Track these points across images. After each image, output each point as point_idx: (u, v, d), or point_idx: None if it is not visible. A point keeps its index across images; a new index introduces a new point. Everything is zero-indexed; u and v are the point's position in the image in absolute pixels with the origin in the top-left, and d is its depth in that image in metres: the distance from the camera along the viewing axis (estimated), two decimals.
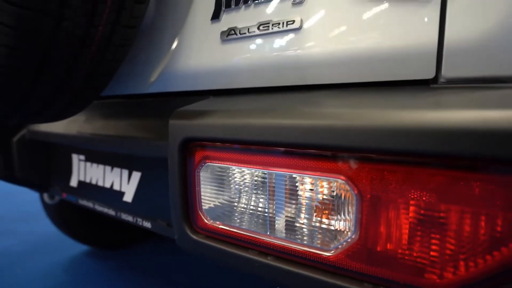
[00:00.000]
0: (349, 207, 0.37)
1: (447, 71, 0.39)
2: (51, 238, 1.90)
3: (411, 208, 0.34)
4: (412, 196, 0.33)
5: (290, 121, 0.38)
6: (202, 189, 0.48)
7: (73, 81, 0.55)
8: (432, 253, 0.34)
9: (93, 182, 0.90)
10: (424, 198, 0.33)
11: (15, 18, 0.42)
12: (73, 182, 0.97)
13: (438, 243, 0.34)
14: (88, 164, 0.91)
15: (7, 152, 1.02)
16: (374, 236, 0.36)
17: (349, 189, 0.36)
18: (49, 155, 1.05)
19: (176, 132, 0.48)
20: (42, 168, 1.05)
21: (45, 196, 1.38)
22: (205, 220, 0.49)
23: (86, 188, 0.92)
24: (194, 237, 0.50)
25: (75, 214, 1.57)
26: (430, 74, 0.40)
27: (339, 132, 0.34)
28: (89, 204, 0.91)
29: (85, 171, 0.93)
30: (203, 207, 0.49)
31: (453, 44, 0.38)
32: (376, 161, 0.34)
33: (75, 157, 0.96)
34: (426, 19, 0.39)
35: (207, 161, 0.47)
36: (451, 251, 0.33)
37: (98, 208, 0.88)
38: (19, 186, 1.14)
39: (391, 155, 0.33)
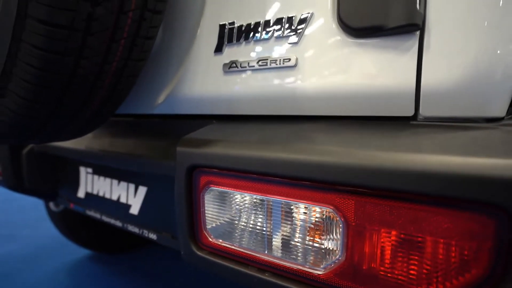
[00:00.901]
0: (337, 232, 0.42)
1: (424, 111, 0.45)
2: (53, 242, 1.94)
3: (390, 235, 0.39)
4: (390, 225, 0.38)
5: (285, 155, 0.43)
6: (206, 210, 0.54)
7: (87, 109, 0.60)
8: (411, 271, 0.40)
9: (100, 194, 0.95)
10: (400, 227, 0.38)
11: (40, 60, 0.47)
12: (81, 193, 1.02)
13: (416, 264, 0.39)
14: (96, 177, 0.96)
15: (17, 164, 1.07)
16: (359, 258, 0.41)
17: (337, 217, 0.41)
18: (57, 167, 1.10)
19: (183, 159, 0.53)
20: (50, 179, 1.10)
21: (51, 203, 1.43)
22: (209, 238, 0.54)
23: (93, 199, 0.97)
24: (199, 253, 0.55)
25: (79, 221, 1.62)
26: (409, 112, 0.46)
27: (327, 168, 0.39)
28: (96, 215, 0.96)
29: (92, 184, 0.98)
30: (207, 226, 0.54)
31: (428, 88, 0.43)
32: (360, 194, 0.39)
33: (82, 170, 1.00)
34: (405, 65, 0.44)
35: (211, 186, 0.52)
36: (426, 271, 0.39)
37: (105, 219, 0.93)
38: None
39: (372, 190, 0.38)
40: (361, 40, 0.46)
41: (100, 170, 0.95)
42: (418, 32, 0.43)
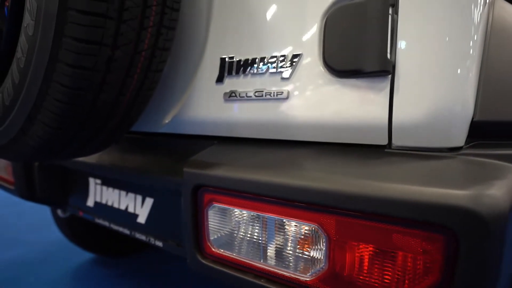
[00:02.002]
0: (322, 245, 0.50)
1: (396, 141, 0.52)
2: (58, 246, 2.01)
3: (365, 248, 0.47)
4: (365, 240, 0.46)
5: (277, 180, 0.51)
6: (209, 224, 0.61)
7: (104, 131, 0.67)
8: (384, 278, 0.47)
9: (109, 203, 1.02)
10: (373, 242, 0.46)
11: (66, 95, 0.55)
12: (90, 203, 1.09)
13: (388, 272, 0.47)
14: (104, 187, 1.04)
15: (29, 175, 1.14)
16: (340, 266, 0.49)
17: (321, 232, 0.49)
18: (67, 177, 1.17)
19: (189, 178, 0.61)
20: (61, 188, 1.17)
21: (58, 210, 1.50)
22: (212, 248, 0.62)
23: (102, 208, 1.04)
24: (203, 261, 0.62)
25: (84, 226, 1.69)
26: (384, 141, 0.53)
27: (312, 193, 0.47)
28: (105, 223, 1.04)
29: (101, 194, 1.05)
30: (210, 238, 0.62)
31: (398, 122, 0.51)
32: (340, 215, 0.47)
33: (91, 181, 1.08)
34: (379, 102, 0.52)
35: (213, 203, 0.60)
36: (396, 278, 0.46)
37: (114, 227, 1.01)
38: None
39: (349, 211, 0.46)
40: (342, 79, 0.54)
41: (109, 182, 1.02)
42: (389, 76, 0.51)
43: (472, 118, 0.51)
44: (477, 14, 0.53)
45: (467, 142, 0.52)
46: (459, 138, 0.51)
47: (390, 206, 0.42)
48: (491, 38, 0.55)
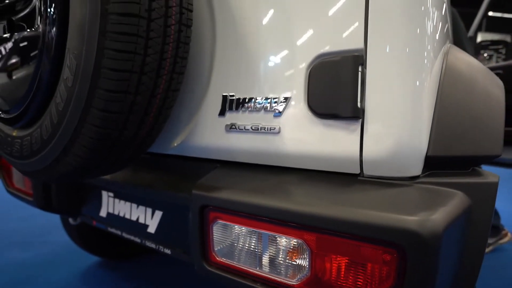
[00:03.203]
0: (306, 256, 0.62)
1: (367, 171, 0.65)
2: (64, 249, 2.12)
3: (340, 259, 0.59)
4: (339, 253, 0.58)
5: (269, 203, 0.63)
6: (214, 237, 0.73)
7: (129, 151, 0.78)
8: (357, 282, 0.60)
9: (121, 215, 1.14)
10: (346, 255, 0.58)
11: (97, 133, 0.67)
12: (103, 213, 1.21)
13: (358, 278, 0.59)
14: (117, 200, 1.15)
15: (46, 188, 1.26)
16: (321, 273, 0.61)
17: (305, 246, 0.61)
18: (81, 190, 1.28)
19: (197, 199, 0.73)
20: (75, 200, 1.29)
21: (70, 218, 1.61)
22: (216, 257, 0.74)
23: (115, 219, 1.16)
24: (209, 268, 0.74)
25: (91, 232, 1.81)
26: (357, 171, 0.66)
27: (297, 215, 0.59)
28: (117, 232, 1.15)
29: (113, 206, 1.17)
30: (215, 248, 0.74)
31: (367, 156, 0.63)
32: (319, 233, 0.59)
33: (104, 194, 1.19)
34: (353, 139, 0.64)
35: (217, 220, 0.72)
36: (363, 282, 0.58)
37: (125, 236, 1.12)
38: None
39: (326, 230, 0.58)
40: (323, 120, 0.67)
41: (121, 195, 1.14)
42: (360, 120, 0.63)
43: (426, 153, 0.63)
44: (433, 67, 0.65)
45: (423, 172, 0.65)
46: (416, 169, 0.64)
47: (358, 227, 0.55)
48: (443, 85, 0.67)
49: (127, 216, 1.11)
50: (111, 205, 1.17)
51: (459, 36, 2.09)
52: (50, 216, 2.30)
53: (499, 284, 1.82)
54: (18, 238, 2.29)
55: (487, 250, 2.18)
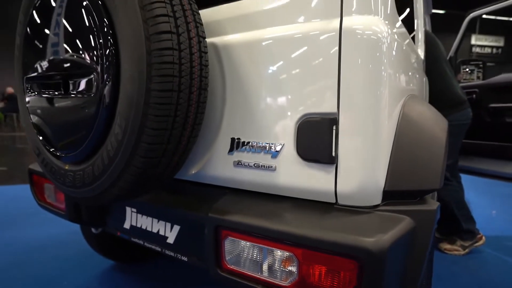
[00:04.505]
0: (295, 264, 0.85)
1: (340, 201, 0.88)
2: (82, 257, 2.32)
3: (320, 267, 0.81)
4: (319, 263, 0.81)
5: (268, 226, 0.85)
6: (225, 249, 0.96)
7: (162, 178, 1.00)
8: (333, 284, 0.82)
9: (143, 227, 1.35)
10: (324, 264, 0.81)
11: (140, 168, 0.89)
12: (126, 225, 1.42)
13: (333, 280, 0.82)
14: (139, 215, 1.37)
15: (77, 204, 1.47)
16: (306, 277, 0.84)
17: (294, 257, 0.84)
18: (107, 205, 1.50)
19: (213, 221, 0.95)
20: (102, 213, 1.51)
21: (92, 228, 1.83)
22: (227, 265, 0.96)
23: (137, 230, 1.38)
24: (221, 273, 0.97)
25: (109, 239, 2.02)
26: (333, 200, 0.88)
27: (287, 235, 0.82)
28: (139, 241, 1.37)
29: (136, 219, 1.38)
30: (226, 258, 0.96)
31: (340, 190, 0.86)
32: (304, 248, 0.82)
33: (128, 209, 1.41)
34: (329, 179, 0.87)
35: (228, 236, 0.94)
36: (336, 283, 0.81)
37: (147, 245, 1.34)
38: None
39: (309, 247, 0.80)
40: (308, 163, 0.89)
41: (143, 211, 1.36)
42: (334, 164, 0.86)
43: (384, 188, 0.86)
44: (390, 121, 0.88)
45: (382, 201, 0.88)
46: (376, 200, 0.87)
47: (332, 245, 0.77)
48: (399, 135, 0.90)
49: (149, 229, 1.33)
50: (134, 219, 1.39)
51: (439, 61, 2.33)
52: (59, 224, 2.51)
53: (473, 283, 2.05)
54: (34, 244, 2.50)
55: (463, 252, 2.42)
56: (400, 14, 1.14)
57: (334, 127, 0.85)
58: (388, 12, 0.94)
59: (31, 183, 1.73)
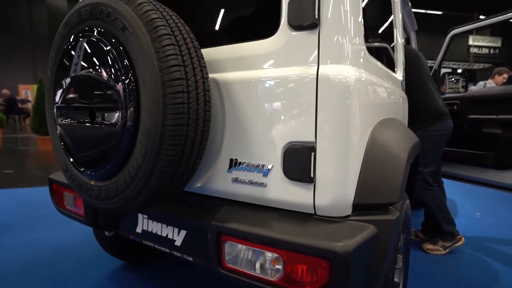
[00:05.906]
0: (280, 263, 1.05)
1: (318, 212, 1.08)
2: (93, 256, 2.52)
3: (301, 266, 1.02)
4: (300, 262, 1.02)
5: (259, 232, 1.06)
6: (225, 251, 1.16)
7: (174, 191, 1.21)
8: (312, 279, 1.03)
9: (153, 231, 1.56)
10: (304, 263, 1.01)
11: (161, 182, 1.09)
12: (138, 230, 1.63)
13: (312, 276, 1.02)
14: (150, 221, 1.58)
15: (95, 210, 1.68)
16: (290, 273, 1.04)
17: (280, 258, 1.05)
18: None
19: (215, 228, 1.16)
20: (116, 220, 1.71)
21: (106, 232, 2.04)
22: (227, 264, 1.17)
23: (148, 234, 1.58)
24: (222, 271, 1.17)
25: (118, 241, 2.23)
26: (312, 212, 1.09)
27: (276, 241, 1.02)
28: (150, 244, 1.58)
29: (147, 224, 1.59)
30: (226, 258, 1.17)
31: (318, 204, 1.07)
32: (288, 251, 1.02)
33: (140, 216, 1.62)
34: (308, 195, 1.07)
35: (228, 240, 1.15)
36: (315, 279, 1.01)
37: (157, 247, 1.55)
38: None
39: (293, 250, 1.01)
40: (293, 181, 1.10)
41: (153, 217, 1.56)
42: (312, 183, 1.06)
43: (353, 202, 1.07)
44: (360, 145, 1.09)
45: (352, 213, 1.09)
46: (347, 211, 1.08)
47: (310, 249, 0.97)
48: (367, 156, 1.11)
49: (159, 233, 1.54)
50: (146, 224, 1.60)
51: (422, 76, 2.54)
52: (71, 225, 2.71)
53: (451, 280, 2.26)
54: (49, 245, 2.70)
55: (444, 252, 2.63)
56: (375, 52, 1.35)
57: (312, 153, 1.06)
58: (361, 59, 1.15)
59: (51, 191, 1.94)
